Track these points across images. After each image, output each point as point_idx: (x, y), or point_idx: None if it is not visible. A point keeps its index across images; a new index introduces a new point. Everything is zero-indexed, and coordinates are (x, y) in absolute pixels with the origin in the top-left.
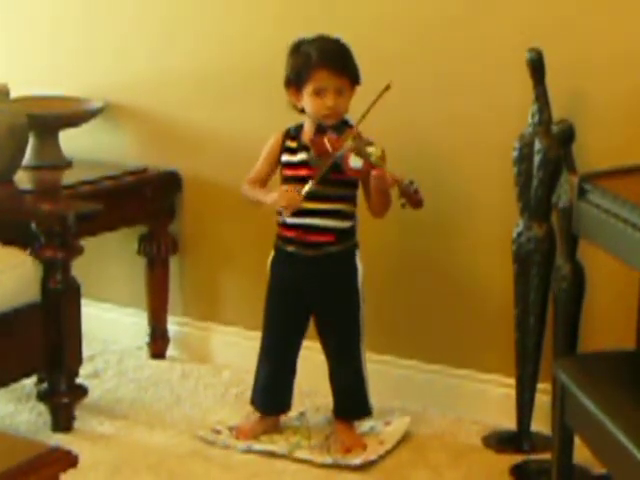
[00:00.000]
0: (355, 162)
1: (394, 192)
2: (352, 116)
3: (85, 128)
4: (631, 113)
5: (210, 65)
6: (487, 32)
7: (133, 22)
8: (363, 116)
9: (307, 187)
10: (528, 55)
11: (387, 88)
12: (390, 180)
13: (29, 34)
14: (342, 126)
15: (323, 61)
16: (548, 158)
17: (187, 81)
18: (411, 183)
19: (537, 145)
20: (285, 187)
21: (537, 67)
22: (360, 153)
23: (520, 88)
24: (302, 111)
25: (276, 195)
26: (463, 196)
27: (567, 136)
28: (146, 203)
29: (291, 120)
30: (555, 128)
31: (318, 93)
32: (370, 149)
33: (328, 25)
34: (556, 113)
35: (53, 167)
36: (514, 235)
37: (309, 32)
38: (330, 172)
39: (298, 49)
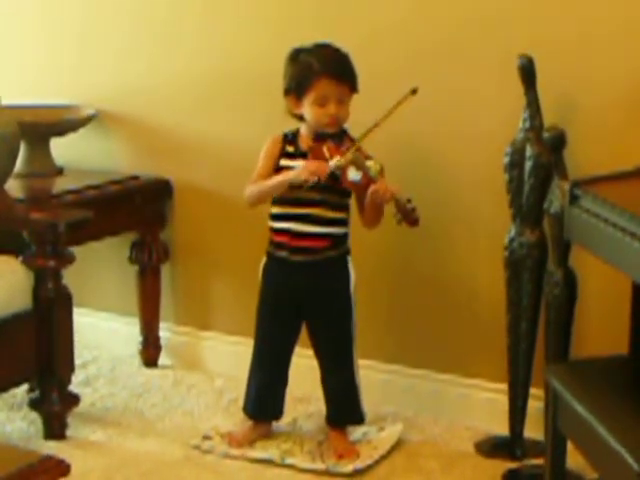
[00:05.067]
0: (354, 175)
1: (390, 207)
2: (350, 125)
3: (76, 136)
4: (622, 119)
5: (203, 74)
6: (479, 41)
7: (126, 31)
8: (371, 129)
9: (335, 161)
10: (519, 61)
11: (413, 92)
12: (388, 196)
13: (20, 42)
14: (341, 135)
15: (325, 70)
16: (539, 164)
17: (179, 89)
18: (409, 201)
19: (528, 151)
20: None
21: (528, 73)
22: (359, 166)
23: (512, 95)
24: (300, 118)
25: (300, 167)
26: (454, 202)
27: (558, 142)
28: (137, 211)
29: (282, 128)
30: (546, 134)
31: (320, 102)
32: (369, 163)
33: (327, 36)
34: (547, 119)
35: (44, 175)
36: (506, 241)
37: (306, 43)
38: (324, 179)
39: (297, 57)
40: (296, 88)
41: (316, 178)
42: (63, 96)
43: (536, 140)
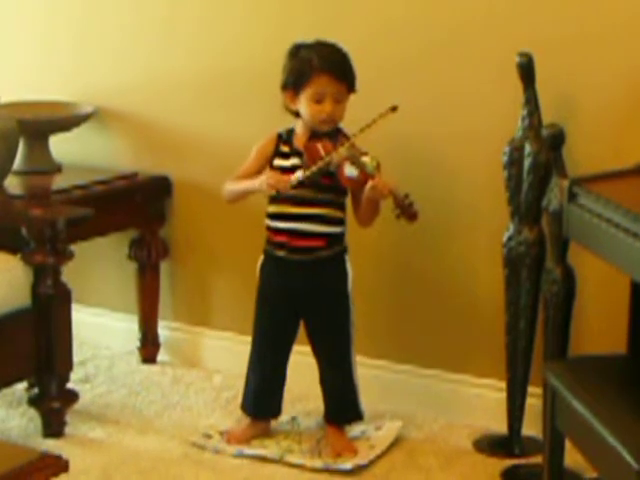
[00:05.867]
0: (351, 171)
1: (388, 202)
2: (346, 124)
3: (75, 133)
4: (621, 117)
5: (202, 71)
6: (478, 39)
7: (125, 28)
8: (362, 130)
9: (297, 175)
10: (518, 59)
11: (393, 109)
12: (386, 191)
13: (19, 38)
14: (336, 133)
15: (324, 67)
16: (538, 162)
17: (179, 86)
18: (406, 196)
19: (527, 149)
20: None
21: (527, 71)
22: (355, 163)
23: (510, 93)
24: (297, 114)
25: (263, 177)
26: (453, 200)
27: (557, 140)
28: (137, 208)
29: (281, 125)
30: (545, 132)
31: (317, 98)
32: (365, 159)
33: (325, 35)
34: (546, 117)
35: (43, 172)
36: (504, 239)
37: (304, 40)
38: (321, 177)
39: (297, 52)
40: (294, 83)
41: (274, 191)
42: (62, 93)
43: (535, 138)
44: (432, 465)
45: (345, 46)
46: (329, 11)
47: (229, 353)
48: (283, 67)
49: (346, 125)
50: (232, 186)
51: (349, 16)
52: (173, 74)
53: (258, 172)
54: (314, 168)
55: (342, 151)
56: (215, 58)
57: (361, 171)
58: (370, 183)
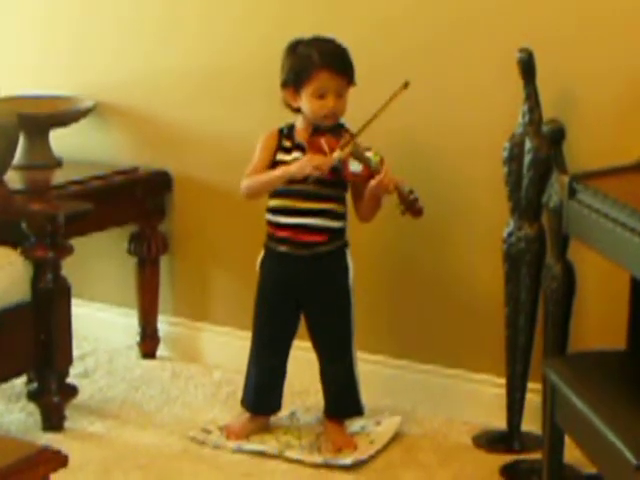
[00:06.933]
0: (355, 167)
1: (390, 198)
2: (348, 120)
3: (76, 127)
4: (621, 113)
5: (202, 66)
6: (478, 34)
7: (125, 22)
8: (382, 109)
9: (335, 155)
10: (519, 55)
11: (405, 86)
12: (391, 187)
13: (20, 33)
14: (338, 128)
15: (325, 62)
16: (538, 158)
17: (179, 81)
18: (411, 192)
19: (527, 145)
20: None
21: (527, 67)
22: (359, 158)
23: (511, 88)
24: (297, 110)
25: (305, 159)
26: (453, 196)
27: (557, 136)
28: (137, 203)
29: (280, 120)
30: (545, 128)
31: (319, 94)
32: (369, 154)
33: (326, 28)
34: (546, 113)
35: (43, 167)
36: (505, 235)
37: (303, 35)
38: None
39: (296, 49)
40: (294, 80)
41: (319, 172)
42: (62, 88)
43: (535, 134)
44: (431, 461)
45: (345, 42)
46: (329, 7)
47: (229, 348)
48: (282, 65)
49: (348, 121)
50: (254, 180)
51: (349, 11)
52: (173, 69)
53: (269, 167)
54: (347, 150)
55: (346, 148)
56: (214, 53)
57: (365, 166)
58: (375, 179)
